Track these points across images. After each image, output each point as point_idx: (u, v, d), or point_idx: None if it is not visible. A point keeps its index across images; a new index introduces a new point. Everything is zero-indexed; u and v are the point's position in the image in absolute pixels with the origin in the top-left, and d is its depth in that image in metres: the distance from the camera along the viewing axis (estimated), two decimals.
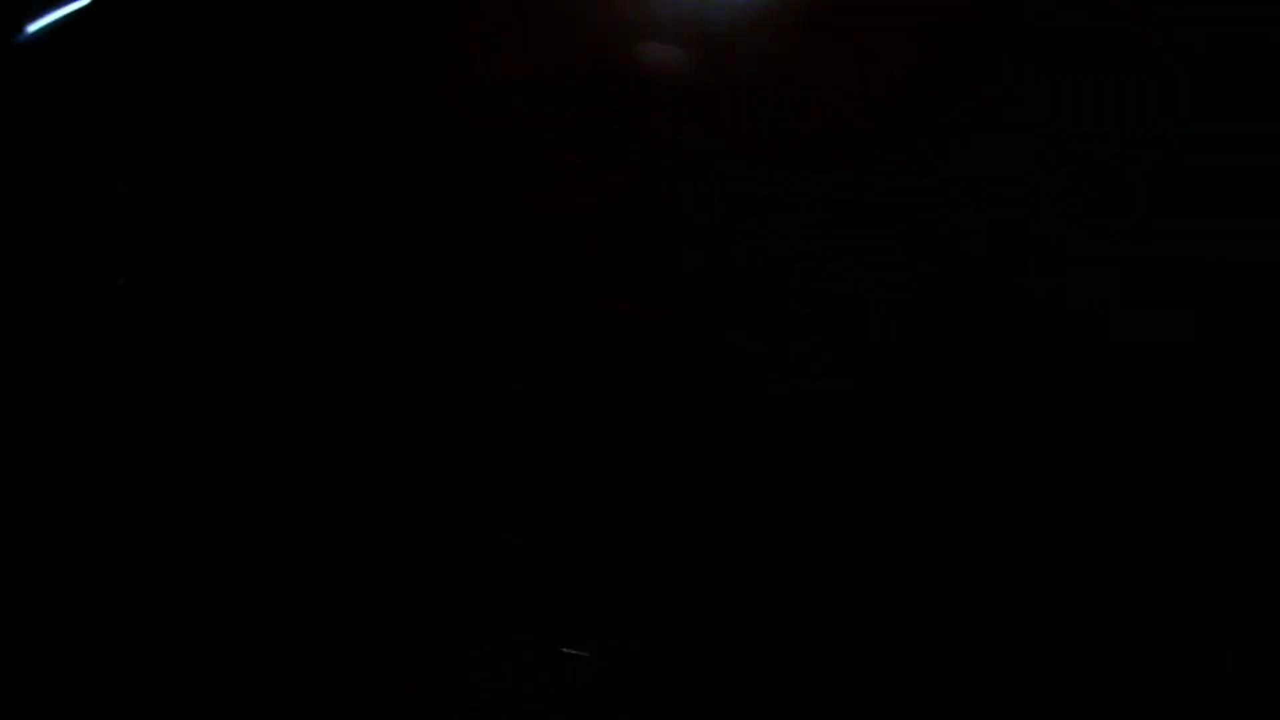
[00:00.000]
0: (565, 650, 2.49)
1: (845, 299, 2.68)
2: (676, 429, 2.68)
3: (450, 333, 2.75)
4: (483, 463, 2.68)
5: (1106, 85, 2.68)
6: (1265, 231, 2.64)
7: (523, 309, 2.75)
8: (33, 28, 2.58)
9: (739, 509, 2.63)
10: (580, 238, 2.76)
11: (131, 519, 2.64)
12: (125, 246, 2.78)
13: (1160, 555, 2.52)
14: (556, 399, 2.71)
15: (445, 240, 2.79)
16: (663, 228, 2.75)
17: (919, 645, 2.52)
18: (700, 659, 2.54)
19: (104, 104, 2.81)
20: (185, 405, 2.71)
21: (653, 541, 2.62)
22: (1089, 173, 2.69)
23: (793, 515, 2.62)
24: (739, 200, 2.74)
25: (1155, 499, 2.55)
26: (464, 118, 2.79)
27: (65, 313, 2.76)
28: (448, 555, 2.62)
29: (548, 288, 2.76)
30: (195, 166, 2.80)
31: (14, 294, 2.75)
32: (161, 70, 2.82)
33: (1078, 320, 2.63)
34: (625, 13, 2.76)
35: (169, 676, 2.53)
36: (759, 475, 2.64)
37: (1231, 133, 2.66)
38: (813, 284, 2.70)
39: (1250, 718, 2.40)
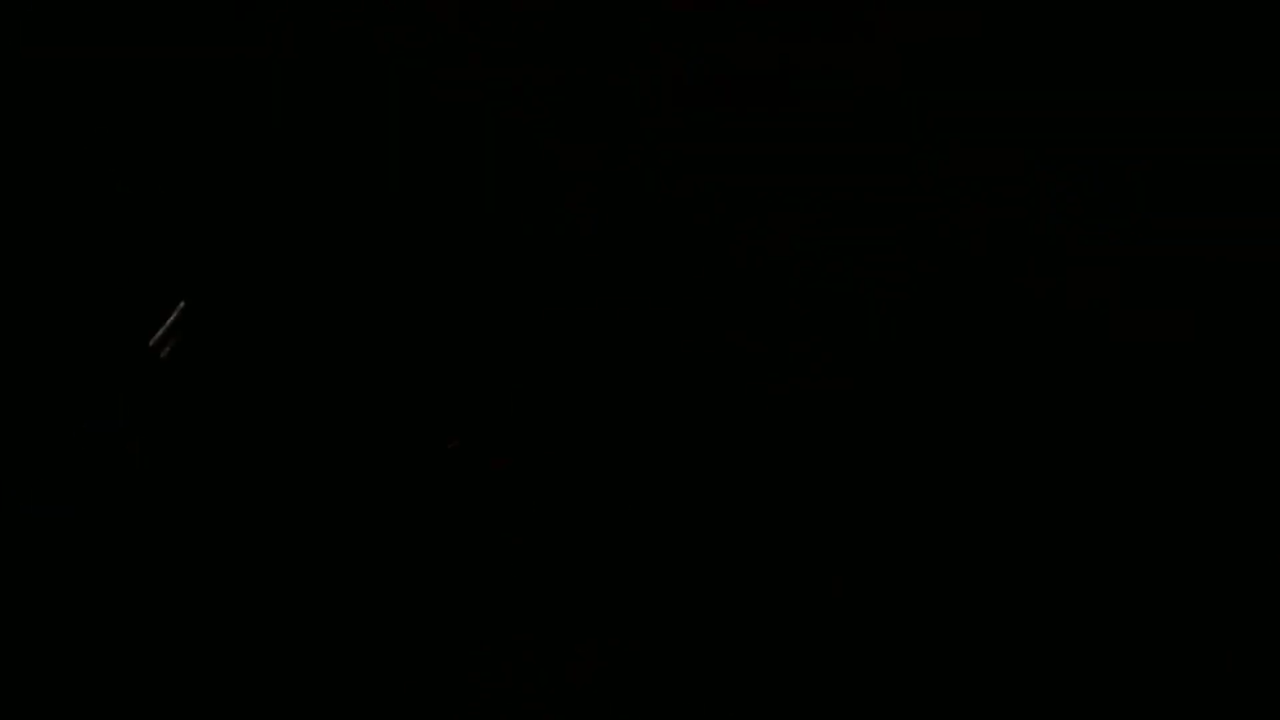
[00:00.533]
0: None
1: (845, 299, 2.68)
2: (677, 428, 2.68)
3: (450, 333, 2.75)
4: (483, 463, 2.68)
5: None
6: (1265, 231, 2.64)
7: (521, 307, 2.75)
8: None
9: (739, 508, 2.63)
10: (579, 232, 2.76)
11: (132, 518, 2.64)
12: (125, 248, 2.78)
13: (1160, 554, 2.52)
14: (556, 399, 2.71)
15: (443, 237, 2.79)
16: (662, 226, 2.75)
17: (918, 643, 2.52)
18: (700, 658, 2.54)
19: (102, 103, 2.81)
20: (185, 404, 2.71)
21: (653, 541, 2.62)
22: (1089, 173, 2.70)
23: (793, 514, 2.62)
24: (739, 200, 2.75)
25: (1155, 497, 2.55)
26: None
27: (68, 312, 2.76)
28: (448, 555, 2.62)
29: (546, 287, 2.76)
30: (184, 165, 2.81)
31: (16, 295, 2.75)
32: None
33: (1078, 320, 2.64)
34: None
35: (170, 675, 2.53)
36: (759, 474, 2.64)
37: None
38: (813, 284, 2.70)
39: (1250, 718, 2.41)
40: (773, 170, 2.76)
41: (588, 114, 2.80)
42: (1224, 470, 2.55)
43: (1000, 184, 2.71)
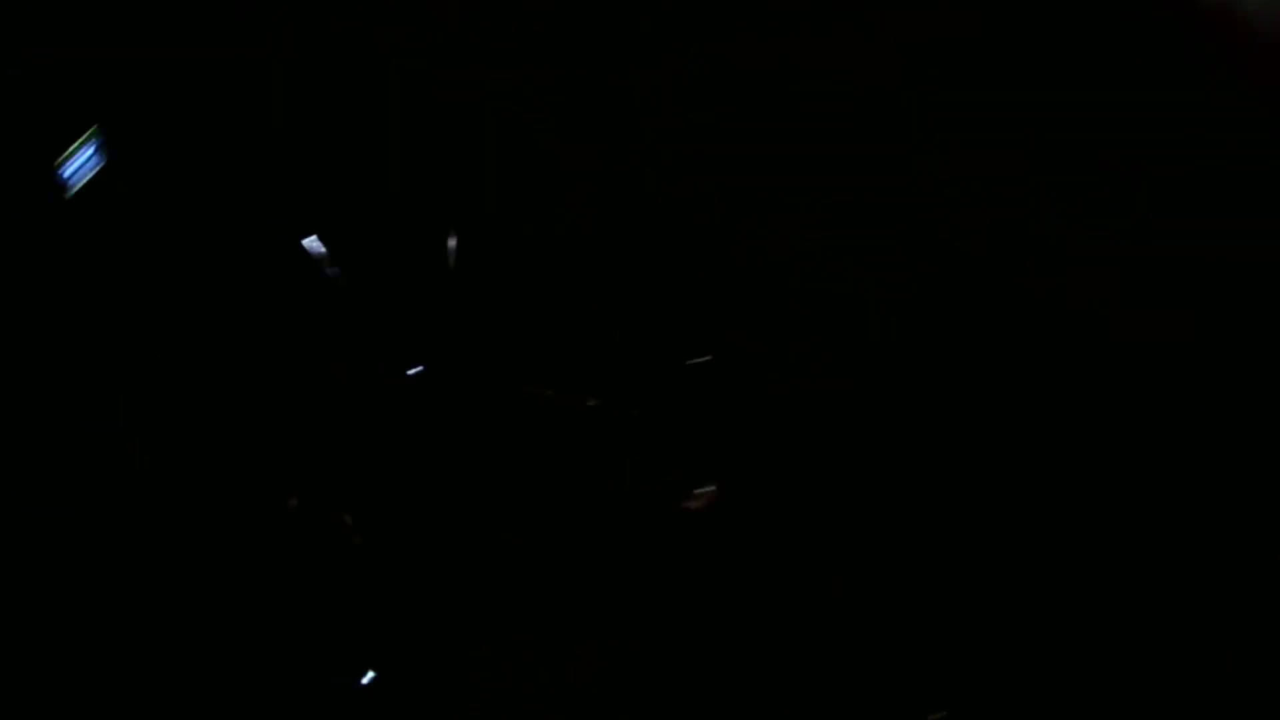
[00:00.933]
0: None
1: (845, 299, 2.69)
2: (675, 428, 2.68)
3: (450, 330, 2.75)
4: (482, 462, 2.69)
5: None
6: (1265, 231, 2.64)
7: (520, 306, 2.76)
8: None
9: (738, 508, 2.63)
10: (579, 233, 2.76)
11: (132, 518, 2.64)
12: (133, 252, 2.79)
13: (1160, 555, 2.52)
14: (555, 398, 2.71)
15: (442, 237, 2.80)
16: (662, 226, 2.75)
17: (918, 645, 2.52)
18: (700, 658, 2.54)
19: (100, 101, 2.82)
20: (184, 401, 2.71)
21: (652, 540, 2.62)
22: (1089, 173, 2.70)
23: (793, 514, 2.62)
24: (739, 200, 2.75)
25: (1155, 499, 2.55)
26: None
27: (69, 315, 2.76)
28: (448, 555, 2.62)
29: (546, 284, 2.76)
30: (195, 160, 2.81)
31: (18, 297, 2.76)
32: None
33: (1078, 320, 2.64)
34: None
35: (169, 674, 2.53)
36: (757, 474, 2.64)
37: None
38: (813, 284, 2.70)
39: (1250, 718, 2.41)
40: (773, 170, 2.76)
41: (588, 114, 2.80)
42: (1224, 470, 2.55)
43: (1000, 184, 2.71)
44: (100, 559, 2.60)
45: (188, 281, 2.78)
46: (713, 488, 2.53)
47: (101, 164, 2.49)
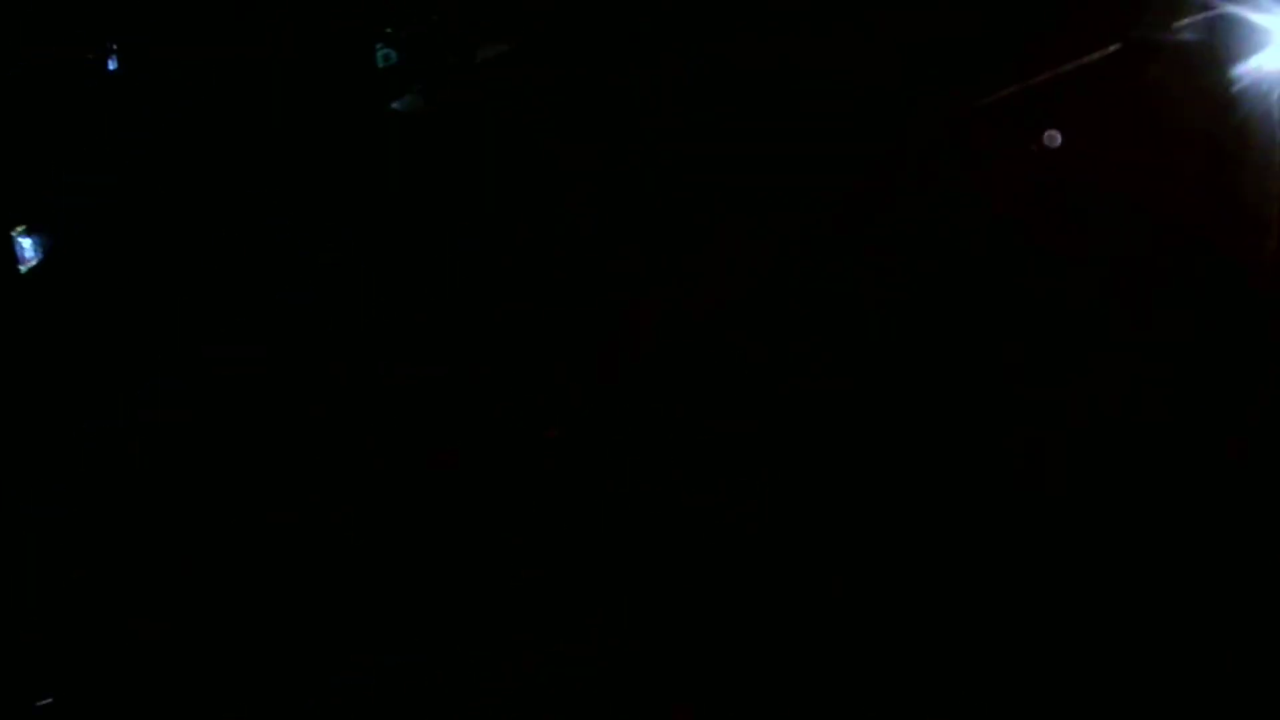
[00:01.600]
0: None
1: (845, 299, 2.69)
2: (676, 428, 2.68)
3: (450, 331, 2.75)
4: (483, 463, 2.68)
5: None
6: (1265, 231, 2.64)
7: (519, 308, 2.75)
8: None
9: (739, 507, 2.63)
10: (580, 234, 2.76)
11: (129, 520, 2.64)
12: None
13: (1160, 555, 2.52)
14: (556, 398, 2.71)
15: (443, 236, 2.80)
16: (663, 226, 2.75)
17: (918, 642, 2.52)
18: (700, 658, 2.53)
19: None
20: (187, 400, 2.71)
21: (653, 541, 2.62)
22: (1088, 173, 2.70)
23: (793, 513, 2.61)
24: (739, 200, 2.75)
25: (1155, 498, 2.55)
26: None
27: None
28: (448, 555, 2.62)
29: (544, 285, 2.76)
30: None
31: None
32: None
33: (1077, 320, 2.64)
34: None
35: (169, 675, 2.53)
36: (758, 474, 2.64)
37: None
38: (813, 284, 2.70)
39: (1250, 718, 2.40)
40: (773, 170, 2.76)
41: (588, 114, 2.80)
42: (1224, 469, 2.55)
43: (1000, 184, 2.71)
44: (100, 559, 2.60)
45: (188, 281, 2.78)
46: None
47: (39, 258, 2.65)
